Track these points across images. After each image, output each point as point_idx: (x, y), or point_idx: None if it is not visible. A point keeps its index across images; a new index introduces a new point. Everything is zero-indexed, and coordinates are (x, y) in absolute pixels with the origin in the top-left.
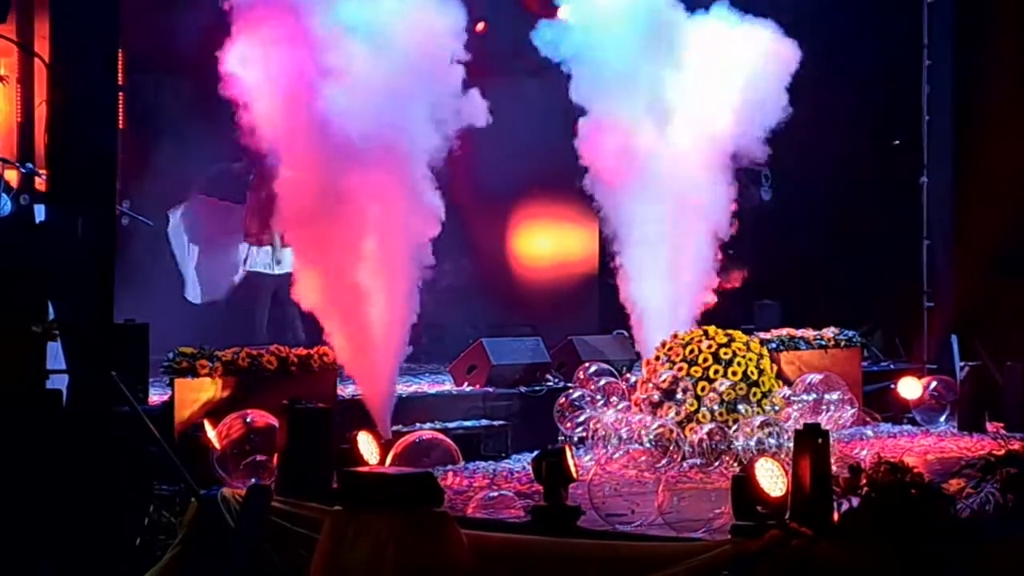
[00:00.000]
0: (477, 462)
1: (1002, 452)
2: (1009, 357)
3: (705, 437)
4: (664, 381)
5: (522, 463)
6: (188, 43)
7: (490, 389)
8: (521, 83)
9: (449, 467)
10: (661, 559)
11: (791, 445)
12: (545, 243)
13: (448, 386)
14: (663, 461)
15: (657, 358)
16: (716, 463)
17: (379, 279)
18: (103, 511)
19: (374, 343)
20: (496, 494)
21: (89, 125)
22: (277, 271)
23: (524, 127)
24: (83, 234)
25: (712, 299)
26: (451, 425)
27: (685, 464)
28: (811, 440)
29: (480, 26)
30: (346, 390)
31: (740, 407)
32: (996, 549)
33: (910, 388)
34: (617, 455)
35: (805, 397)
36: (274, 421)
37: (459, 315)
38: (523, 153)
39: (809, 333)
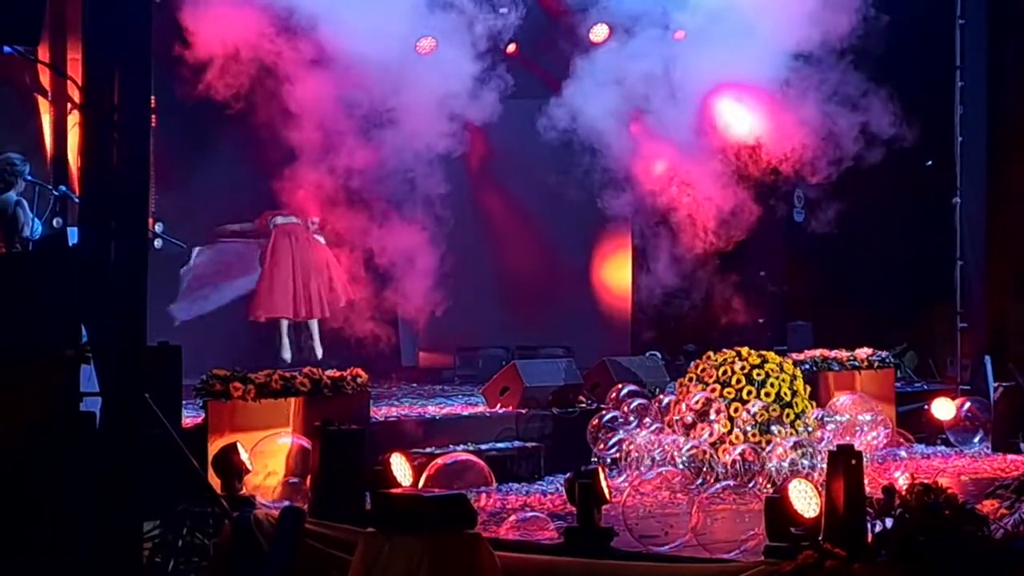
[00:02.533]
0: (510, 484)
1: None
2: None
3: (738, 458)
4: (697, 402)
5: (555, 485)
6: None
7: (523, 411)
8: (555, 104)
9: (482, 489)
10: None
11: (824, 466)
12: (578, 264)
13: (481, 408)
14: (696, 482)
15: (690, 379)
16: (749, 484)
17: None
18: (134, 532)
19: None
20: (529, 515)
21: (121, 148)
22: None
23: (558, 148)
24: (116, 257)
25: None
26: (484, 447)
27: (718, 485)
28: (845, 461)
29: (511, 47)
30: (379, 412)
31: (773, 428)
32: None
33: (944, 409)
34: (650, 476)
35: (838, 418)
36: (307, 443)
37: (492, 337)
38: (556, 174)
39: (842, 354)
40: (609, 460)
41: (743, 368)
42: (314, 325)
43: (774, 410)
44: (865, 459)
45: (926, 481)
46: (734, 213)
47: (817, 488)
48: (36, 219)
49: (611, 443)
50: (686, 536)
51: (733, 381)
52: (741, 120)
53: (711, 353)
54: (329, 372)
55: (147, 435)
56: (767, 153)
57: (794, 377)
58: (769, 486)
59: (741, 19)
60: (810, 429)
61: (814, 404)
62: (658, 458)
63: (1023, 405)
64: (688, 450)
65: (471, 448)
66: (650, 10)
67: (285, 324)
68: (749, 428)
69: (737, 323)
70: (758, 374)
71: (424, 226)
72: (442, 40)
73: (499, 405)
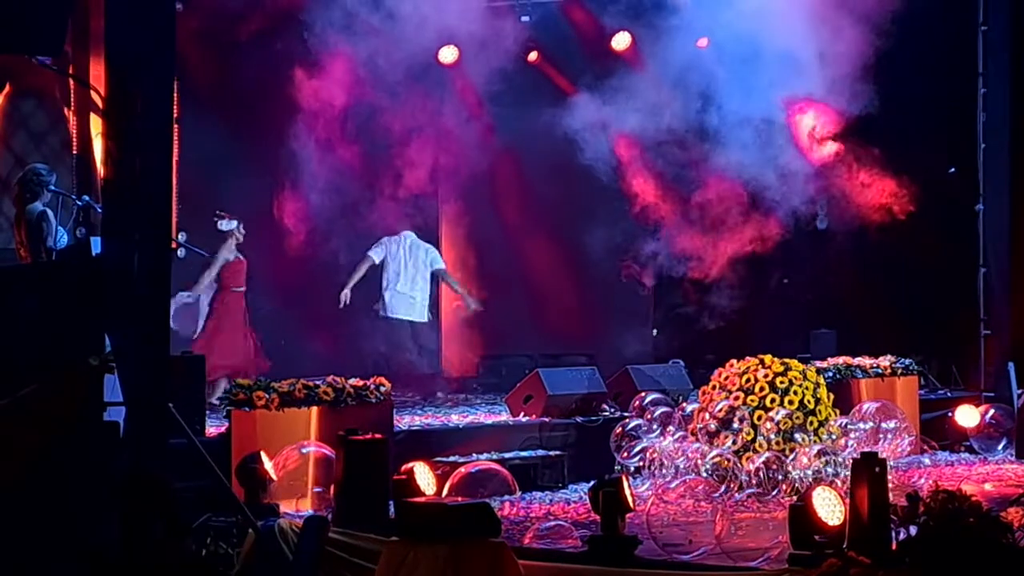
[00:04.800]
0: (534, 492)
1: None
2: None
3: (762, 466)
4: (720, 410)
5: (579, 493)
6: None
7: (546, 419)
8: (575, 111)
9: (506, 497)
10: None
11: (848, 474)
12: (602, 272)
13: (504, 416)
14: (720, 490)
15: (713, 387)
16: (773, 492)
17: None
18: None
19: None
20: (553, 524)
21: (144, 158)
22: None
23: (581, 156)
24: (139, 266)
25: None
26: (508, 455)
27: (742, 493)
28: (869, 469)
29: (533, 55)
30: (402, 420)
31: (797, 436)
32: None
33: (967, 416)
34: (674, 485)
35: (862, 426)
36: (331, 452)
37: (515, 345)
38: (578, 180)
39: (865, 361)
40: (633, 468)
41: (766, 376)
42: None
43: (797, 418)
44: (889, 466)
45: (950, 488)
46: (758, 223)
47: (841, 496)
48: (61, 228)
49: (635, 451)
50: (710, 544)
51: (756, 389)
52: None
53: (734, 361)
54: (352, 381)
55: (171, 444)
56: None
57: (817, 385)
58: (793, 494)
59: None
60: (834, 437)
61: (838, 412)
62: (682, 466)
63: None
64: (712, 458)
65: (494, 457)
66: (672, 18)
67: None
68: (773, 436)
69: (762, 331)
70: (781, 382)
71: (447, 236)
72: (465, 49)
73: (522, 414)
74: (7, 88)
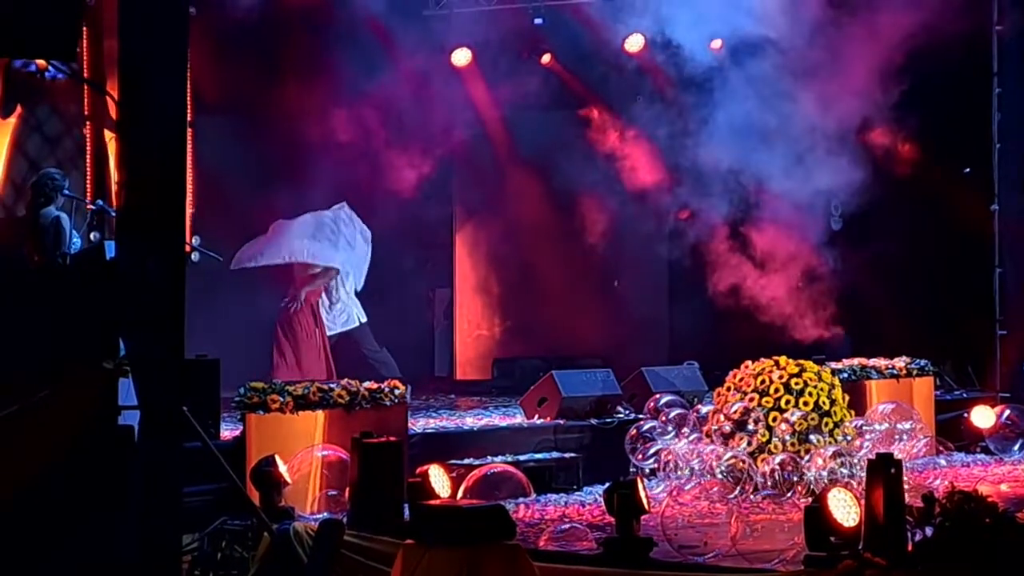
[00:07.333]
0: (548, 495)
1: None
2: None
3: (777, 468)
4: (735, 412)
5: (594, 495)
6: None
7: (561, 421)
8: (590, 114)
9: (521, 500)
10: None
11: (864, 475)
12: (615, 274)
13: (519, 419)
14: (735, 492)
15: (728, 389)
16: (788, 494)
17: None
18: (172, 546)
19: None
20: (568, 526)
21: (158, 162)
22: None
23: (593, 158)
24: (153, 270)
25: None
26: (522, 458)
27: (757, 495)
28: (884, 470)
29: (546, 58)
30: (417, 423)
31: (812, 437)
32: None
33: (983, 417)
34: (689, 486)
35: (877, 427)
36: (345, 455)
37: (529, 348)
38: (593, 184)
39: (880, 362)
40: (647, 470)
41: (781, 377)
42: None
43: (812, 419)
44: (905, 467)
45: (966, 489)
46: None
47: (856, 497)
48: (75, 232)
49: (649, 453)
50: (725, 546)
51: (771, 390)
52: None
53: (749, 362)
54: (367, 384)
55: (185, 448)
56: None
57: (832, 386)
58: (808, 495)
59: None
60: (849, 438)
61: (853, 413)
62: (697, 468)
63: None
64: (727, 460)
65: (509, 459)
66: (686, 19)
67: None
68: (787, 437)
69: (775, 333)
70: (796, 383)
71: (460, 238)
72: (478, 51)
73: (537, 416)
74: (18, 109)
